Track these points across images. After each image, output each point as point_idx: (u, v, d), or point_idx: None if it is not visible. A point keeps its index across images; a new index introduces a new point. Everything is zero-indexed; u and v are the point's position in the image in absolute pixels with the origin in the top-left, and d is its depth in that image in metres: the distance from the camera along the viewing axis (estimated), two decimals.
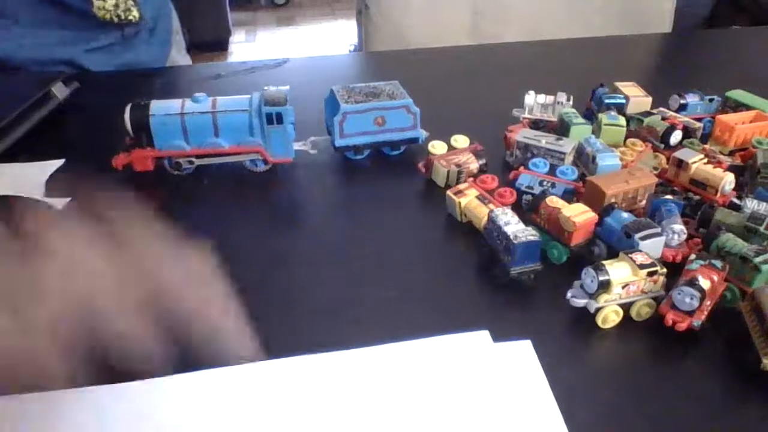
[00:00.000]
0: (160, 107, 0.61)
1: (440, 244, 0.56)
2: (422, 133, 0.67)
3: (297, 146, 0.65)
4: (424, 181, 0.63)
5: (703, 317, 0.44)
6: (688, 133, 0.65)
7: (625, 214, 0.50)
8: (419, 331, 0.45)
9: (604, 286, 0.44)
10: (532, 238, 0.48)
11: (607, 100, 0.69)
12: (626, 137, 0.65)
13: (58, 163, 0.65)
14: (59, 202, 0.58)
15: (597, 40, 1.05)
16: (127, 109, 0.61)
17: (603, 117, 0.65)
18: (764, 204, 0.52)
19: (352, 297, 0.49)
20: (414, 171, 0.63)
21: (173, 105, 0.62)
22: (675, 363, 0.44)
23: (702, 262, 0.46)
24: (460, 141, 0.64)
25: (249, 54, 3.43)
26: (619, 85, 0.72)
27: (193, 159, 0.63)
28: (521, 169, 0.59)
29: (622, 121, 0.65)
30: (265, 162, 0.64)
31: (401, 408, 0.40)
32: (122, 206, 0.40)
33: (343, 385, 0.41)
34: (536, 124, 0.68)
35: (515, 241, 0.48)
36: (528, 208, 0.54)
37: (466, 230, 0.56)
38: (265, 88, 0.63)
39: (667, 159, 0.61)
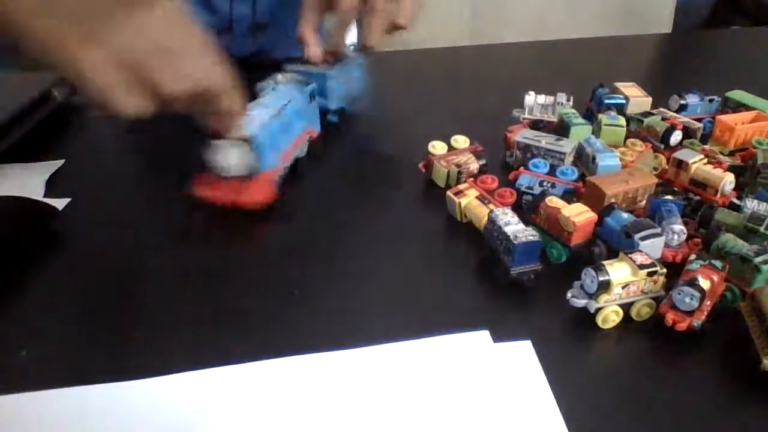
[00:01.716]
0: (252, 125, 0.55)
1: (440, 244, 0.56)
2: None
3: None
4: (424, 181, 0.63)
5: (703, 317, 0.44)
6: (688, 133, 0.65)
7: (625, 215, 0.50)
8: (419, 331, 0.45)
9: (604, 286, 0.44)
10: (532, 238, 0.48)
11: (607, 101, 0.69)
12: (626, 137, 0.65)
13: (58, 163, 0.65)
14: (59, 202, 0.58)
15: (597, 40, 1.05)
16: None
17: (603, 117, 0.65)
18: (764, 204, 0.52)
19: (352, 297, 0.49)
20: (414, 171, 0.63)
21: (262, 114, 0.57)
22: (675, 363, 0.44)
23: (702, 262, 0.46)
24: (460, 141, 0.64)
25: None
26: (619, 85, 0.72)
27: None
28: (521, 169, 0.59)
29: (622, 121, 0.65)
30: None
31: (401, 408, 0.40)
32: None
33: (343, 385, 0.41)
34: (536, 125, 0.68)
35: (515, 242, 0.48)
36: (528, 209, 0.54)
37: (466, 230, 0.56)
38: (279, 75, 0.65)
39: (667, 159, 0.61)
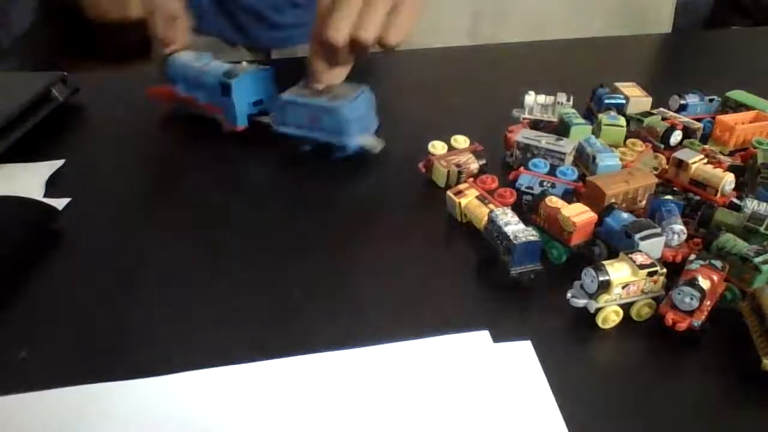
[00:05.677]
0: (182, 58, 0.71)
1: (440, 244, 0.56)
2: (355, 142, 0.64)
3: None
4: (424, 181, 0.63)
5: (703, 317, 0.44)
6: (688, 133, 0.65)
7: (625, 215, 0.50)
8: (419, 331, 0.45)
9: (604, 286, 0.44)
10: (532, 238, 0.48)
11: (607, 101, 0.69)
12: (626, 137, 0.65)
13: (58, 163, 0.65)
14: (59, 202, 0.58)
15: (597, 40, 1.05)
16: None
17: (603, 117, 0.65)
18: (764, 204, 0.52)
19: (352, 297, 0.49)
20: (414, 171, 0.63)
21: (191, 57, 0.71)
22: (675, 363, 0.44)
23: (702, 262, 0.46)
24: (460, 141, 0.64)
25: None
26: (619, 85, 0.72)
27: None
28: (521, 169, 0.59)
29: (622, 121, 0.65)
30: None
31: (401, 408, 0.40)
32: None
33: (343, 385, 0.41)
34: (536, 125, 0.68)
35: (515, 242, 0.48)
36: (528, 209, 0.54)
37: (466, 230, 0.56)
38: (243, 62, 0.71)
39: (667, 159, 0.61)
